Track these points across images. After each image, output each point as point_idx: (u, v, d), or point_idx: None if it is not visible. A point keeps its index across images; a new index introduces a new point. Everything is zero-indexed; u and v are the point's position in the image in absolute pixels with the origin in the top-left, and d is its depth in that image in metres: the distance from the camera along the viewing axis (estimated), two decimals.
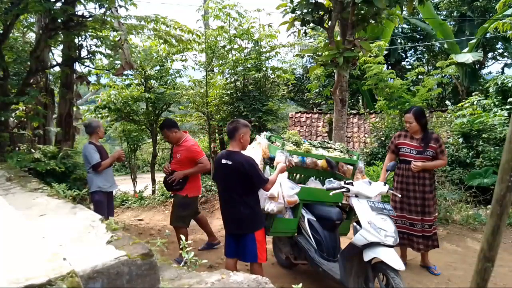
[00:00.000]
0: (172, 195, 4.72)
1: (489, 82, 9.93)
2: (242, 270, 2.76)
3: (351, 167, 3.87)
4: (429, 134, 3.78)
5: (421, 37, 17.56)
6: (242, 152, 3.10)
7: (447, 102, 15.09)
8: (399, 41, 17.57)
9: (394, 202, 3.86)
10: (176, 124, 4.32)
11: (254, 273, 2.30)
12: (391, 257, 2.70)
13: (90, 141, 4.35)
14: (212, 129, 10.35)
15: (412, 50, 19.14)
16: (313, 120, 13.59)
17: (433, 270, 3.86)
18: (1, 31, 4.75)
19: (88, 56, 5.66)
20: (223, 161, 3.01)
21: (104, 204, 4.35)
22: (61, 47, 6.20)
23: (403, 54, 19.06)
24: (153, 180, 9.84)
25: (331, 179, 3.53)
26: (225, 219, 3.14)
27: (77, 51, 5.78)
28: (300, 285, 1.49)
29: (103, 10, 4.95)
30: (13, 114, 5.54)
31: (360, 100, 17.44)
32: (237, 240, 3.07)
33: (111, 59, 6.00)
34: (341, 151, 4.04)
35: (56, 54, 25.45)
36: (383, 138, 8.04)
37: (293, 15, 5.88)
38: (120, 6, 5.28)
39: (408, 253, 4.04)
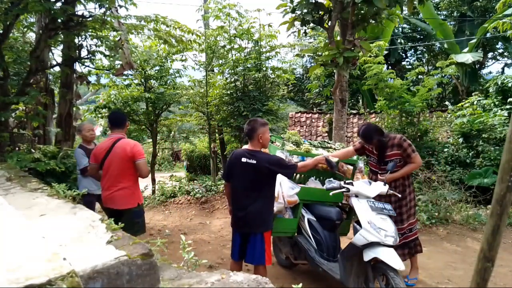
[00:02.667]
0: None
1: (489, 82, 9.93)
2: (242, 270, 2.77)
3: (351, 167, 3.87)
4: (384, 143, 3.50)
5: (421, 37, 17.55)
6: (263, 150, 3.11)
7: (447, 102, 15.07)
8: (399, 41, 17.55)
9: None
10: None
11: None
12: (391, 257, 2.71)
13: (81, 144, 4.28)
14: (212, 129, 10.36)
15: (412, 50, 19.13)
16: (313, 120, 13.59)
17: (407, 280, 3.58)
18: (1, 31, 4.74)
19: (88, 56, 5.67)
20: (244, 159, 2.97)
21: (93, 206, 4.31)
22: (61, 47, 6.20)
23: (403, 54, 19.04)
24: (153, 180, 9.84)
25: (331, 179, 3.53)
26: (239, 218, 3.04)
27: (77, 51, 5.78)
28: (300, 285, 1.49)
29: (103, 10, 4.95)
30: (13, 114, 5.54)
31: (360, 100, 17.44)
32: (244, 241, 3.04)
33: (111, 59, 6.00)
34: None
35: (56, 54, 25.45)
36: None
37: (293, 15, 5.90)
38: (120, 6, 5.28)
39: None
